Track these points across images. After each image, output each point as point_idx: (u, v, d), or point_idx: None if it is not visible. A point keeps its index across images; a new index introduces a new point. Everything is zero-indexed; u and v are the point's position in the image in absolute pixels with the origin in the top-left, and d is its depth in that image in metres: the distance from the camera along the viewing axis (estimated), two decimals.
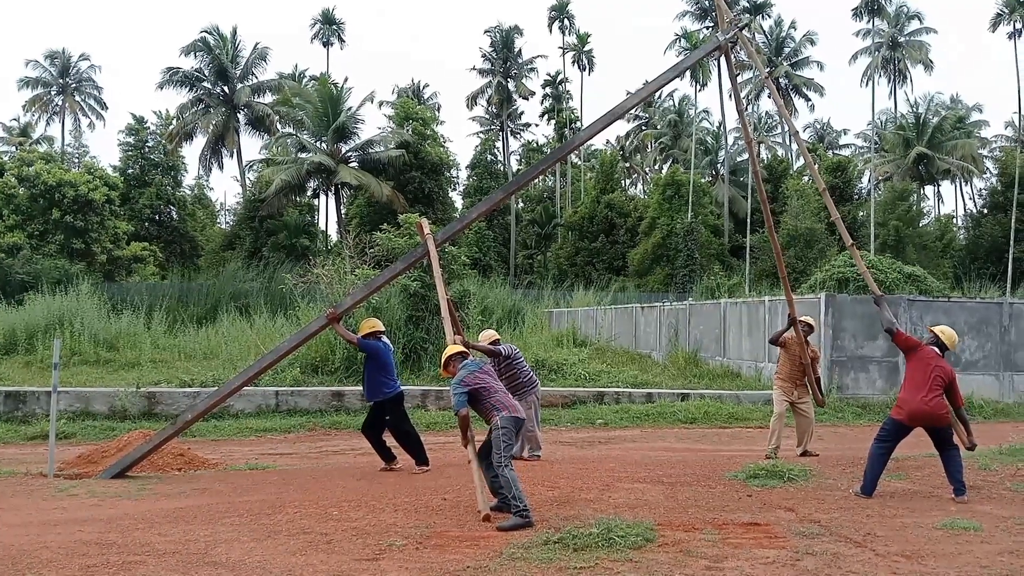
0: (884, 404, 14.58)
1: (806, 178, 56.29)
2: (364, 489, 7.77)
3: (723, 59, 10.45)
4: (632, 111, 68.95)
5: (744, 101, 59.01)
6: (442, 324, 8.44)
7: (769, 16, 55.83)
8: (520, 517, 6.21)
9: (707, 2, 51.90)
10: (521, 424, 6.89)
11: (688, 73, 56.07)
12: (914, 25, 56.87)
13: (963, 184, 58.47)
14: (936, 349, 7.55)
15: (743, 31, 9.24)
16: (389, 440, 9.25)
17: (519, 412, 6.84)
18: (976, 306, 16.56)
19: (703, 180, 53.59)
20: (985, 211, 52.57)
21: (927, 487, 7.71)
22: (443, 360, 7.23)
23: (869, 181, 50.92)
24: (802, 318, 9.96)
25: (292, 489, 7.84)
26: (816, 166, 10.29)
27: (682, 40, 53.18)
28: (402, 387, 9.42)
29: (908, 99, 60.53)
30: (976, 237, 49.14)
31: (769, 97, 62.21)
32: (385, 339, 9.38)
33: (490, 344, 9.49)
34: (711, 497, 7.20)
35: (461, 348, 7.35)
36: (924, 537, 5.87)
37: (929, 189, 57.87)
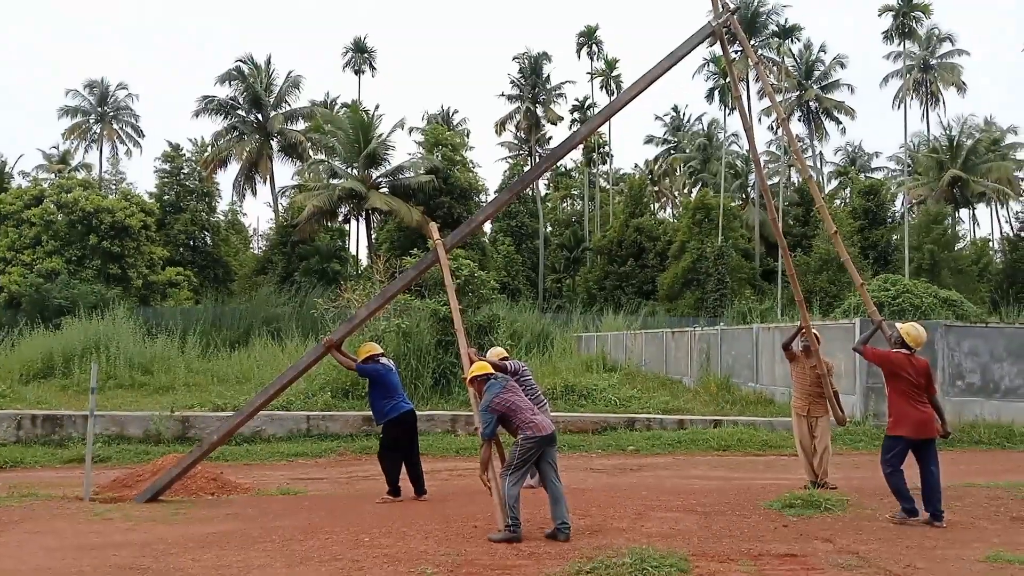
0: None
1: (838, 202, 55.85)
2: (395, 515, 7.76)
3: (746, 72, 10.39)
4: (660, 135, 68.75)
5: (775, 124, 58.39)
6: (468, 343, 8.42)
7: (799, 40, 55.69)
8: (509, 532, 6.46)
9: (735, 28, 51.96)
10: (547, 443, 6.82)
11: (716, 97, 56.08)
12: (946, 47, 56.33)
13: (999, 207, 57.50)
14: (904, 351, 7.54)
15: (734, 15, 9.19)
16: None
17: (543, 430, 6.82)
18: (1015, 332, 16.20)
19: (733, 204, 53.31)
20: (1022, 234, 51.66)
21: (968, 517, 7.52)
22: (468, 378, 7.26)
23: (903, 204, 50.35)
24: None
25: (323, 515, 7.85)
26: (823, 199, 10.10)
27: (710, 64, 53.21)
28: (412, 407, 9.21)
29: (941, 121, 59.83)
30: (1013, 261, 48.25)
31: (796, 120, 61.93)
32: (385, 360, 9.26)
33: (499, 360, 9.40)
34: (746, 527, 7.08)
35: (489, 369, 7.31)
36: (967, 570, 5.72)
37: (964, 212, 57.01)
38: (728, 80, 49.05)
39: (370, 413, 9.34)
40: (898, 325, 7.85)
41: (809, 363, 9.32)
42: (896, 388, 7.46)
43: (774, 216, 9.85)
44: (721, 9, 9.13)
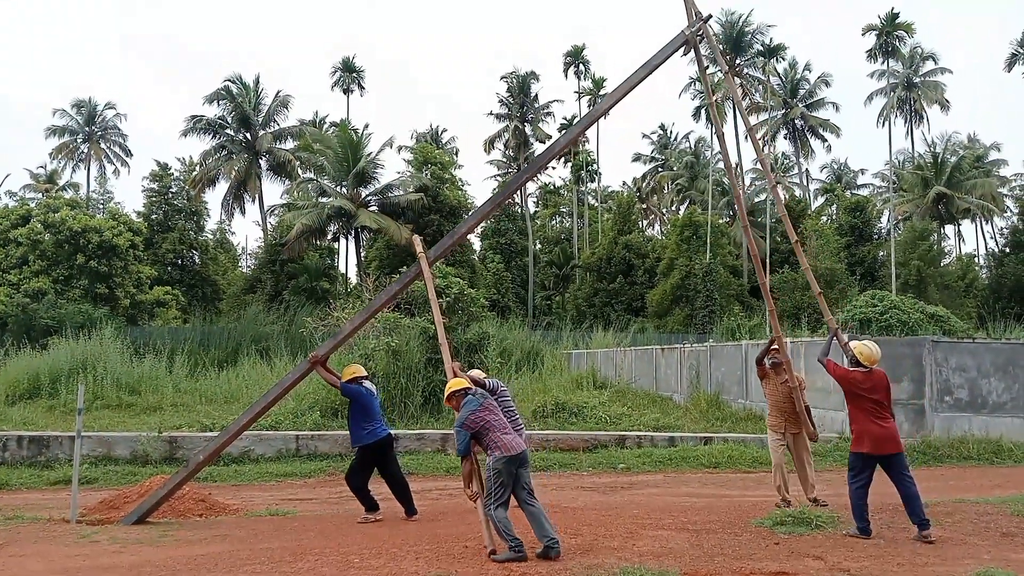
0: (911, 447, 14.29)
1: (824, 218, 56.23)
2: (384, 536, 7.71)
3: (730, 85, 10.51)
4: (648, 153, 69.10)
5: (760, 143, 59.17)
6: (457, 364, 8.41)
7: (783, 59, 56.34)
8: (514, 552, 6.48)
9: (721, 46, 52.48)
10: (517, 463, 6.84)
11: (704, 115, 56.55)
12: (929, 65, 57.13)
13: (984, 223, 58.10)
14: (862, 369, 7.65)
15: (707, 23, 9.30)
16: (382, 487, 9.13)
17: (513, 450, 6.84)
18: (1002, 347, 16.30)
19: (721, 221, 53.64)
20: (1007, 250, 52.13)
21: (959, 534, 7.54)
22: (446, 395, 7.29)
23: (888, 221, 50.75)
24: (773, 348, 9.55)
25: (312, 536, 7.80)
26: (782, 208, 10.16)
27: (697, 83, 53.67)
28: (390, 431, 9.25)
29: (925, 139, 60.70)
30: (999, 276, 48.66)
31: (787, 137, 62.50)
32: (368, 384, 9.31)
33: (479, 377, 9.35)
34: (737, 545, 7.08)
35: (467, 384, 7.33)
36: None
37: (949, 228, 57.55)
38: (715, 98, 49.57)
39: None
40: (852, 344, 7.94)
41: (780, 379, 9.27)
42: (856, 405, 7.59)
43: (755, 252, 9.90)
44: (695, 18, 9.25)
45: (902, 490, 7.39)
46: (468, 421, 6.91)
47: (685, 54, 9.45)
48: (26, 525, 8.39)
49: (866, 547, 6.99)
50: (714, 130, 10.35)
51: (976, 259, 56.47)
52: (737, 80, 52.86)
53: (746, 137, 60.72)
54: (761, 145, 58.30)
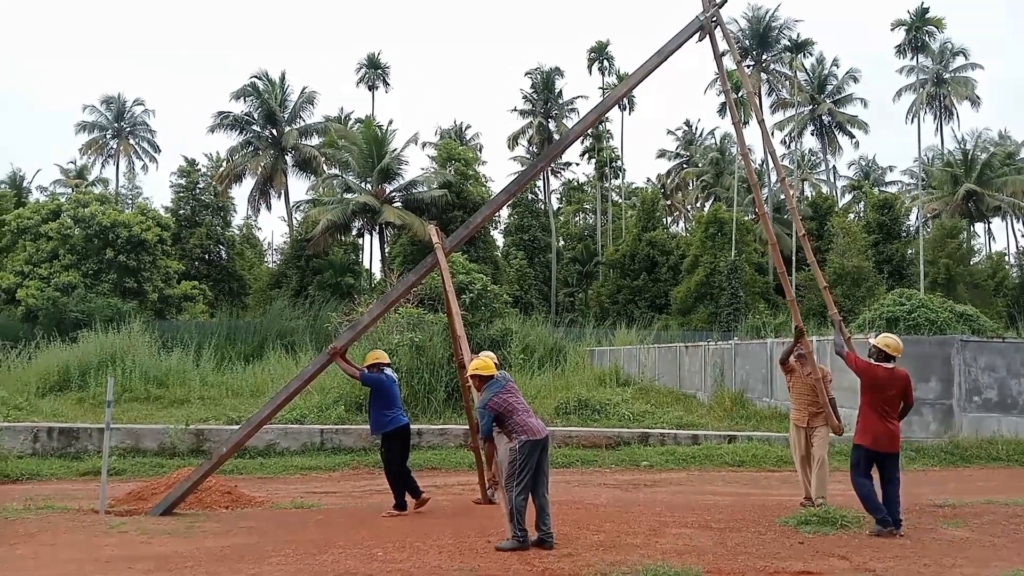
0: (938, 448, 14.15)
1: (852, 216, 55.65)
2: (408, 529, 7.76)
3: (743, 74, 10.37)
4: (673, 150, 68.72)
5: (788, 139, 58.40)
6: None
7: (811, 54, 55.75)
8: (518, 541, 6.62)
9: (747, 42, 52.04)
10: (540, 446, 6.88)
11: (729, 112, 56.09)
12: (959, 61, 56.23)
13: (1014, 221, 57.16)
14: (886, 365, 7.69)
15: (720, 8, 9.23)
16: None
17: (538, 434, 6.89)
18: None
19: (746, 218, 53.22)
20: None
21: (987, 536, 7.44)
22: (470, 372, 7.29)
23: (917, 218, 50.10)
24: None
25: (337, 529, 7.86)
26: (794, 201, 10.07)
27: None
28: (407, 420, 9.22)
29: (955, 135, 59.65)
30: None
31: (813, 134, 61.91)
32: (388, 371, 9.27)
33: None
34: (761, 544, 7.04)
35: (492, 371, 7.29)
36: None
37: (979, 226, 56.70)
38: (742, 94, 49.13)
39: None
40: (876, 338, 7.95)
41: (804, 371, 9.09)
42: (869, 400, 7.66)
43: (773, 241, 9.81)
44: (709, 3, 9.19)
45: (886, 489, 7.60)
46: (492, 403, 6.93)
47: (700, 40, 9.36)
48: (56, 515, 8.53)
49: (892, 547, 6.92)
50: (731, 119, 10.29)
51: (1006, 257, 55.58)
52: (749, 69, 52.32)
53: (787, 141, 60.29)
54: (784, 139, 57.58)
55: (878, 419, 7.55)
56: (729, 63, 10.09)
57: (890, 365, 7.66)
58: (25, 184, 56.68)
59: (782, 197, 56.31)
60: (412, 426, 9.84)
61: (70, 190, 57.60)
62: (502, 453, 7.06)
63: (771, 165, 55.82)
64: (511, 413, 6.89)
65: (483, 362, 7.32)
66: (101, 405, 14.79)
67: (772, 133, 58.61)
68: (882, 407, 7.57)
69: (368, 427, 9.79)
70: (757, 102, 9.77)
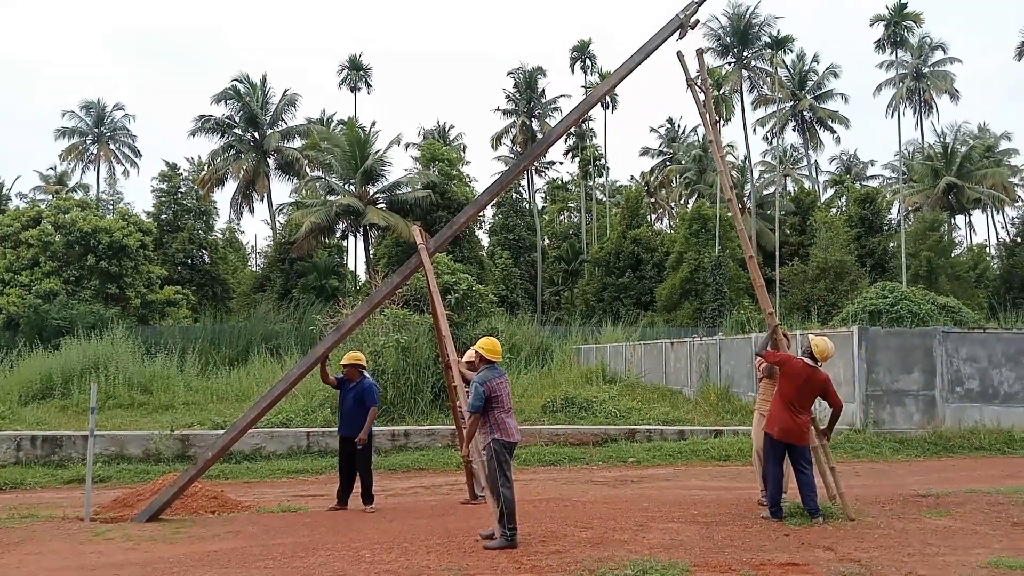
0: (921, 439, 14.29)
1: (834, 210, 55.99)
2: (396, 531, 7.75)
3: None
4: (656, 147, 68.87)
5: (770, 135, 58.75)
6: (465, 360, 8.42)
7: (791, 50, 56.02)
8: (506, 540, 6.71)
9: (728, 39, 52.25)
10: (511, 449, 7.01)
11: (713, 109, 56.29)
12: (938, 55, 56.76)
13: (995, 213, 57.74)
14: (808, 361, 7.81)
15: (700, 6, 9.34)
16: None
17: (513, 436, 7.00)
18: (1013, 337, 16.22)
19: (730, 214, 53.39)
20: (1019, 240, 51.80)
21: (970, 524, 7.53)
22: (478, 347, 7.25)
23: (898, 212, 50.48)
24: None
25: (324, 531, 7.85)
26: (734, 199, 10.10)
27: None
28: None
29: (935, 129, 60.18)
30: (1010, 266, 48.36)
31: (794, 130, 62.30)
32: (366, 375, 9.47)
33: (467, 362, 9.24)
34: (748, 536, 7.08)
35: (498, 355, 7.28)
36: None
37: (960, 219, 57.19)
38: (722, 91, 49.23)
39: (369, 428, 9.32)
40: (810, 336, 8.04)
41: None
42: (781, 390, 7.79)
43: (738, 215, 9.84)
44: (689, 0, 9.31)
45: (797, 478, 7.77)
46: (489, 381, 6.97)
47: (680, 37, 9.46)
48: (41, 523, 8.47)
49: (876, 537, 6.99)
50: (697, 111, 10.35)
51: (987, 249, 56.06)
52: (730, 66, 52.53)
53: (769, 138, 60.69)
54: (766, 135, 57.67)
55: (786, 410, 7.67)
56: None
57: (811, 363, 7.78)
58: (4, 191, 56.14)
59: (765, 192, 56.65)
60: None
61: (50, 196, 57.10)
62: (480, 458, 7.15)
63: (754, 162, 56.03)
64: (496, 405, 6.95)
65: (492, 343, 7.28)
66: (85, 412, 14.67)
67: (754, 129, 59.06)
68: (793, 399, 7.67)
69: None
70: (709, 92, 9.85)
